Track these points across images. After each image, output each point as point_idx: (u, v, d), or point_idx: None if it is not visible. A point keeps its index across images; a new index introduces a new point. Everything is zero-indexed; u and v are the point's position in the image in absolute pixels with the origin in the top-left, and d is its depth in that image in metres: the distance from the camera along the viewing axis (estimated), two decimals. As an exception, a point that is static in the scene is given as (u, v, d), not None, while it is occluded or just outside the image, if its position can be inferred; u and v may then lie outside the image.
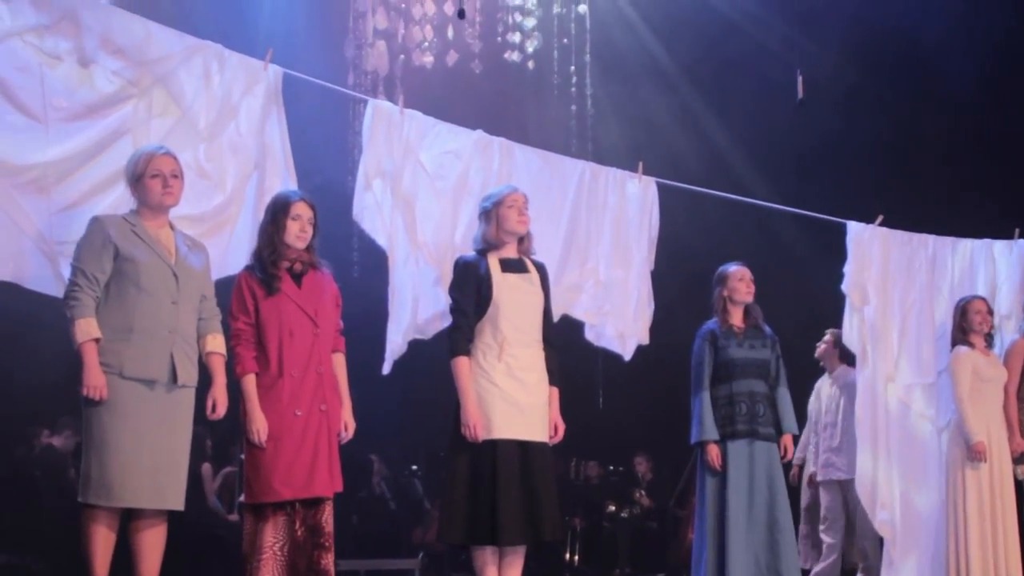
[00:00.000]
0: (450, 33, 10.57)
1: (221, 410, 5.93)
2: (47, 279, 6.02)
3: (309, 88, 7.51)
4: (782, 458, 7.81)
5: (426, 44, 10.50)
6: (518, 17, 10.92)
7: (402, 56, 10.60)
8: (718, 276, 7.95)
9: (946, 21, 11.66)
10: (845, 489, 9.43)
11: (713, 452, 7.62)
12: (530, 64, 11.11)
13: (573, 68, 11.36)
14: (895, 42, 12.16)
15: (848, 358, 9.54)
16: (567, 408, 6.77)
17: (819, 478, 9.62)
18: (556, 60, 11.40)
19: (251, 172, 6.79)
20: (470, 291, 6.62)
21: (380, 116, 7.39)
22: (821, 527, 9.59)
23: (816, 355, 9.83)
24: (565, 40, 11.35)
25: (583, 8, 11.27)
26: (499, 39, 10.94)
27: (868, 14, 12.12)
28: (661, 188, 8.49)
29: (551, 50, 11.29)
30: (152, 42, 6.48)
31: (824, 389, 9.79)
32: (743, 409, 7.66)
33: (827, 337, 9.78)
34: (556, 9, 11.26)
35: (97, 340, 5.54)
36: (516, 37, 10.92)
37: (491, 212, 6.74)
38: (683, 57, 13.20)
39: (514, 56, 10.94)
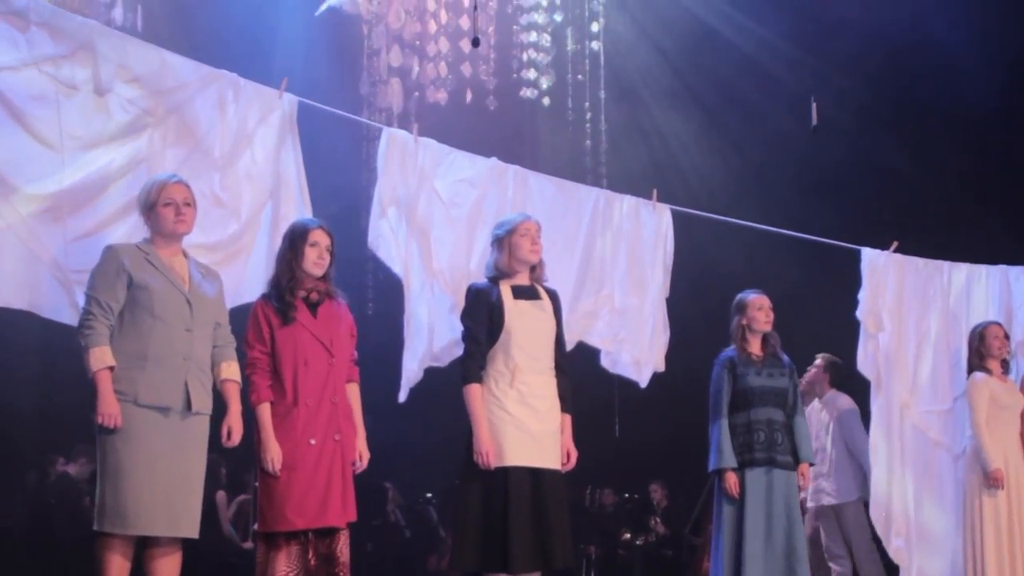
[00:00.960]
0: (465, 70, 10.62)
1: (236, 437, 5.93)
2: (62, 308, 6.03)
3: (324, 119, 7.53)
4: (800, 487, 7.79)
5: (440, 81, 10.55)
6: (533, 54, 10.98)
7: (416, 93, 10.65)
8: (737, 304, 7.92)
9: (964, 44, 11.67)
10: (838, 514, 9.38)
11: (731, 480, 7.59)
12: (545, 100, 11.15)
13: (588, 104, 11.39)
14: (911, 65, 12.16)
15: (838, 383, 9.53)
16: (583, 435, 6.76)
17: (809, 504, 9.55)
18: (571, 96, 11.44)
19: (266, 200, 6.81)
20: (482, 318, 6.60)
21: (394, 144, 7.40)
22: (826, 555, 9.52)
23: (805, 379, 9.68)
24: (580, 76, 11.38)
25: (596, 45, 11.32)
26: (514, 76, 10.99)
27: (883, 38, 12.12)
28: (675, 215, 8.50)
29: (566, 86, 11.34)
30: (168, 71, 6.51)
31: (813, 414, 9.73)
32: (761, 437, 7.63)
33: (818, 361, 9.71)
34: (570, 46, 11.31)
35: (111, 368, 5.55)
36: (531, 74, 10.97)
37: (504, 240, 6.73)
38: (697, 85, 13.22)
39: (529, 93, 10.99)
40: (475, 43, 8.14)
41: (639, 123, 13.16)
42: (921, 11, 11.74)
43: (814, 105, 9.01)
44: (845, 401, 9.44)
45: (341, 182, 9.95)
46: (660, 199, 8.46)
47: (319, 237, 6.23)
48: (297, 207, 6.86)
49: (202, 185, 6.40)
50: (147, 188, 5.88)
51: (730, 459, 7.60)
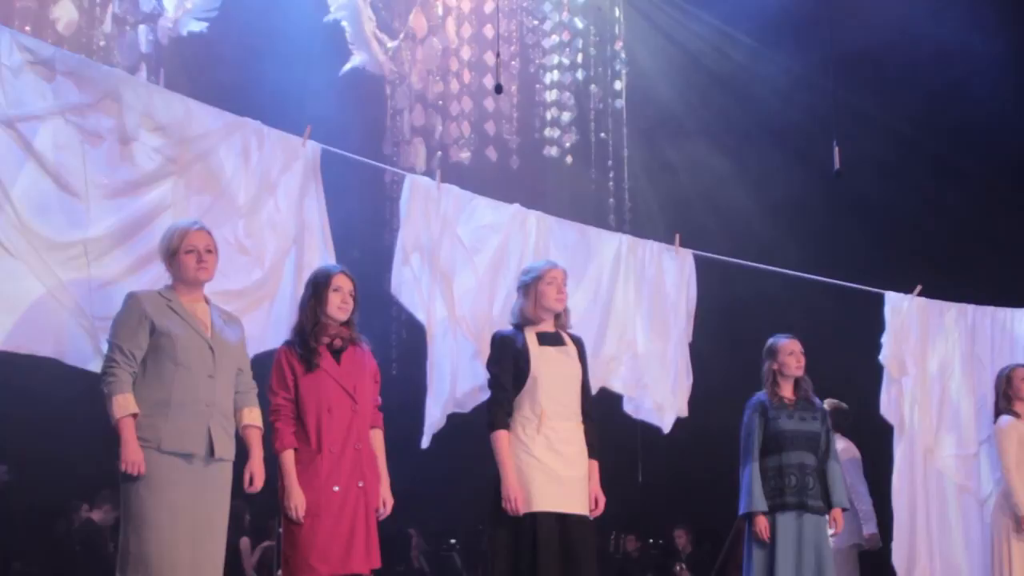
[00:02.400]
0: (488, 129, 10.69)
1: (258, 483, 5.92)
2: (87, 355, 6.04)
3: (346, 168, 7.56)
4: (832, 533, 7.75)
5: (464, 140, 10.61)
6: (555, 112, 11.06)
7: (439, 152, 10.71)
8: (768, 349, 7.87)
9: (990, 84, 11.68)
10: None
11: (761, 524, 7.53)
12: (568, 159, 11.21)
13: (611, 163, 11.44)
14: (935, 109, 12.16)
15: (842, 428, 9.49)
16: (606, 481, 6.75)
17: None
18: (594, 154, 11.49)
19: (289, 247, 6.84)
20: (508, 365, 6.60)
21: (417, 191, 7.43)
22: None
23: None
24: (603, 134, 11.45)
25: (620, 103, 11.40)
26: (537, 135, 11.05)
27: (908, 81, 12.14)
28: (698, 260, 8.50)
29: (589, 144, 11.40)
30: (192, 119, 6.55)
31: None
32: (793, 481, 7.57)
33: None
34: (593, 104, 11.39)
35: (135, 415, 5.56)
36: (554, 132, 11.05)
37: (530, 287, 6.73)
38: (720, 131, 13.25)
39: (552, 151, 11.05)
40: (498, 89, 8.16)
41: (661, 168, 13.19)
42: (945, 56, 11.76)
43: (836, 150, 9.03)
44: (846, 447, 9.41)
45: (364, 226, 9.98)
46: (683, 244, 8.48)
47: (342, 282, 6.25)
48: (320, 254, 6.89)
49: (226, 232, 6.44)
50: (169, 235, 5.89)
51: (760, 503, 7.55)
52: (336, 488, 6.01)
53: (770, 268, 9.19)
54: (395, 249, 7.39)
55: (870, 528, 9.15)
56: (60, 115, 6.08)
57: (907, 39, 11.94)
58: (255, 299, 6.67)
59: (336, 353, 6.20)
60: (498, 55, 7.84)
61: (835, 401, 9.52)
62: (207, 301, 5.96)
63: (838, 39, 10.94)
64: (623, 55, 11.64)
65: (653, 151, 13.05)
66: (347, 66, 10.53)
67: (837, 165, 9.09)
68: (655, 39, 12.75)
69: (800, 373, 7.79)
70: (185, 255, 5.81)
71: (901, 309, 8.97)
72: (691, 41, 12.84)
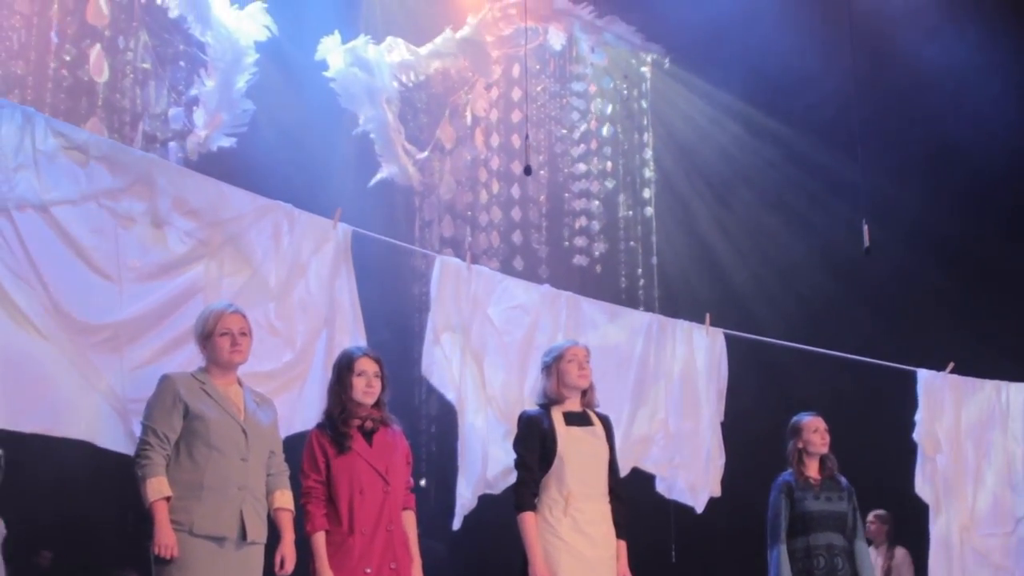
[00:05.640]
0: (516, 239, 10.74)
1: (289, 566, 5.89)
2: (119, 437, 6.05)
3: (376, 262, 7.59)
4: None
5: (493, 250, 10.66)
6: (584, 221, 11.14)
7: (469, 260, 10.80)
8: (792, 427, 7.83)
9: (1020, 155, 11.67)
10: None
11: (791, 607, 7.48)
12: (597, 268, 11.25)
13: (640, 271, 11.49)
14: (965, 182, 12.15)
15: None
16: (639, 562, 6.70)
17: None
18: (624, 263, 11.54)
19: (321, 329, 6.86)
20: (534, 446, 6.57)
21: (448, 272, 7.46)
22: None
23: None
24: (632, 243, 11.50)
25: (649, 211, 11.47)
26: (566, 243, 11.12)
27: (938, 150, 12.14)
28: (729, 339, 8.49)
29: (618, 252, 11.45)
30: (224, 202, 6.60)
31: None
32: (821, 563, 7.50)
33: None
34: (622, 212, 11.46)
35: (168, 499, 5.55)
36: (583, 241, 11.12)
37: (552, 366, 6.72)
38: (749, 210, 13.25)
39: (582, 260, 11.12)
40: (527, 171, 8.19)
41: (690, 248, 13.19)
42: (973, 127, 11.76)
43: (865, 228, 9.03)
44: None
45: (395, 308, 9.99)
46: (713, 323, 8.47)
47: (366, 365, 6.23)
48: (351, 335, 6.90)
49: (257, 314, 6.46)
50: (204, 317, 5.92)
51: (790, 586, 7.50)
52: (368, 570, 5.98)
53: (802, 347, 9.17)
54: (426, 330, 7.42)
55: None
56: (93, 199, 6.14)
57: (938, 110, 11.96)
58: (286, 381, 6.68)
59: (368, 435, 6.19)
60: (527, 137, 7.88)
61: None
62: (240, 383, 5.98)
63: (866, 119, 10.97)
64: (652, 162, 11.74)
65: (681, 221, 13.04)
66: (376, 178, 10.57)
67: (867, 242, 9.08)
68: (684, 146, 12.78)
69: (825, 450, 7.74)
70: (220, 337, 5.83)
71: (934, 387, 8.94)
72: (719, 142, 12.86)
